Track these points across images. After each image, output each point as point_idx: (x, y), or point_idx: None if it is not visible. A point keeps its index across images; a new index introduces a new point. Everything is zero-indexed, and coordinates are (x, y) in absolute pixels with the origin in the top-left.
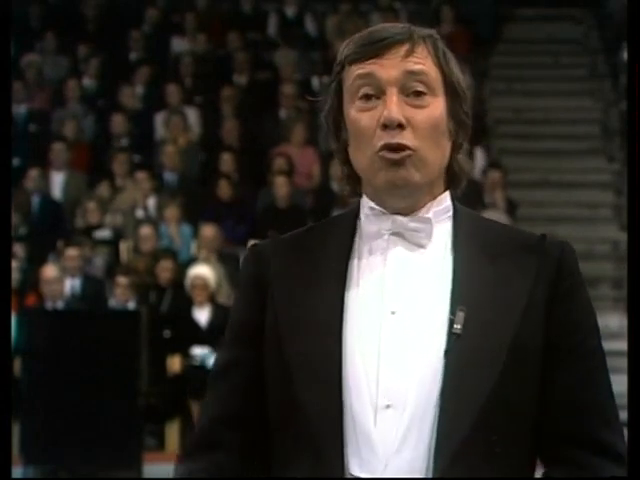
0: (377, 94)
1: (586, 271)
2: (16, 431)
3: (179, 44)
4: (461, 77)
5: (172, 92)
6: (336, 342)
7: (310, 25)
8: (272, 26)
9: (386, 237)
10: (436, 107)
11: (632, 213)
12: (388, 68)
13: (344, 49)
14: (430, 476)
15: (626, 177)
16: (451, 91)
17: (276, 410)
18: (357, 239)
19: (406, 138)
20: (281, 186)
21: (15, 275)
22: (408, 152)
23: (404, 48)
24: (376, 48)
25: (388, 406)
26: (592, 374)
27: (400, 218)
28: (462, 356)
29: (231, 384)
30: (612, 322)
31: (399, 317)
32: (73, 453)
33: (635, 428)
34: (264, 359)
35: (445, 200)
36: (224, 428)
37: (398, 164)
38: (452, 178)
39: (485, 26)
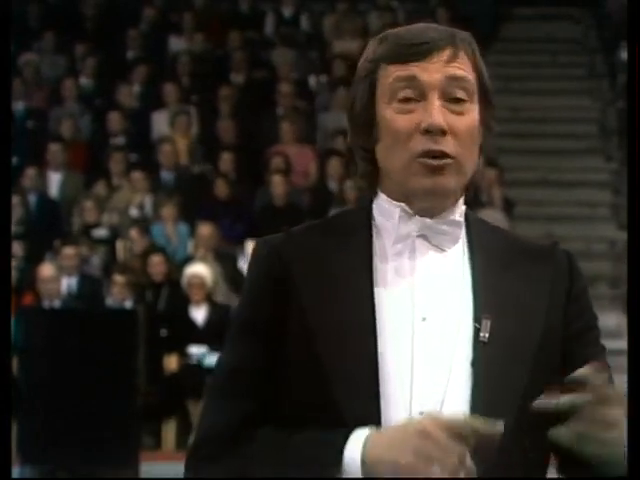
0: (418, 97)
1: (584, 270)
2: (13, 430)
3: (176, 43)
4: (490, 84)
5: (169, 91)
6: (371, 347)
7: (307, 24)
8: (269, 25)
9: (412, 239)
10: (474, 114)
11: (632, 212)
12: (431, 72)
13: (378, 47)
14: None
15: (624, 176)
16: (485, 98)
17: (305, 409)
18: (375, 239)
19: (447, 145)
20: (278, 185)
21: (12, 274)
22: (448, 160)
23: (447, 52)
24: (419, 51)
25: (422, 413)
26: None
27: (429, 220)
28: (489, 365)
29: (253, 380)
30: (609, 321)
31: (430, 324)
32: (70, 452)
33: (635, 428)
34: (286, 358)
35: (461, 204)
36: (250, 424)
37: (438, 171)
38: (469, 184)
39: (483, 25)
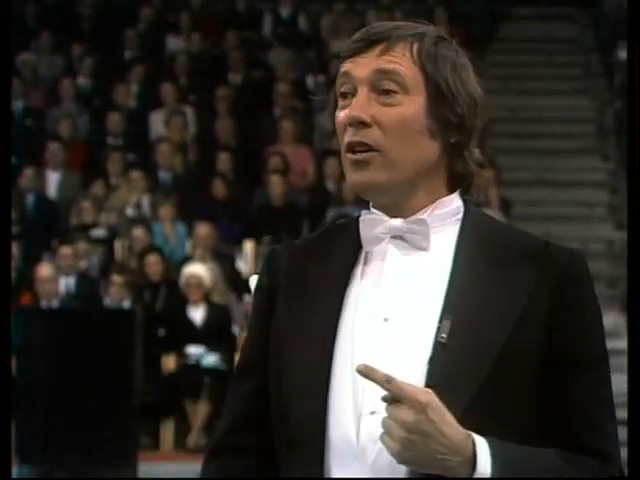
0: (352, 92)
1: None
2: (11, 430)
3: (174, 43)
4: (456, 77)
5: (167, 91)
6: (327, 350)
7: (305, 24)
8: (267, 25)
9: (386, 241)
10: (408, 106)
11: (632, 212)
12: (361, 66)
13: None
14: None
15: (621, 176)
16: (433, 90)
17: (273, 417)
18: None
19: (370, 137)
20: (276, 185)
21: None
22: (372, 153)
23: (380, 47)
24: (355, 47)
25: (373, 412)
26: (594, 387)
27: (394, 221)
28: (445, 364)
29: (248, 388)
30: (607, 321)
31: (391, 324)
32: (68, 452)
33: (635, 428)
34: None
35: (452, 202)
36: (243, 431)
37: (362, 165)
38: (456, 180)
39: (480, 25)
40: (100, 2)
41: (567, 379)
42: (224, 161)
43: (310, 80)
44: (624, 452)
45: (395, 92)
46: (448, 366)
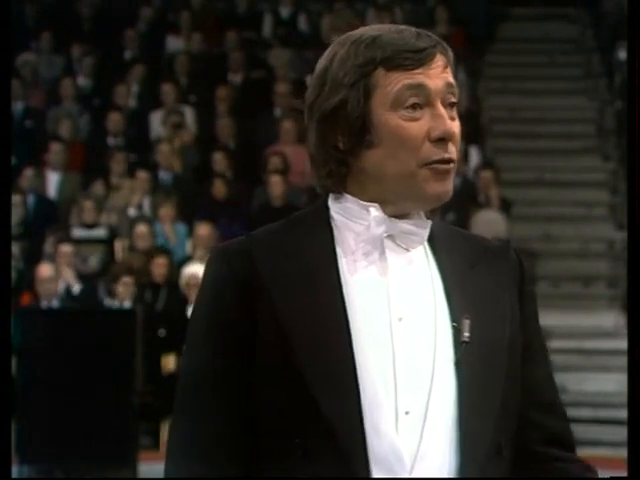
0: (424, 104)
1: (581, 270)
2: (11, 430)
3: (174, 43)
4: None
5: (167, 91)
6: (347, 349)
7: (305, 24)
8: (267, 25)
9: (382, 240)
10: (457, 119)
11: (632, 212)
12: (434, 79)
13: (367, 51)
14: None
15: (621, 176)
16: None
17: (288, 416)
18: (337, 238)
19: (451, 151)
20: (276, 185)
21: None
22: (452, 165)
23: (442, 59)
24: (421, 57)
25: (407, 412)
26: (551, 372)
27: (400, 222)
28: (472, 365)
29: (230, 391)
30: (607, 321)
31: (406, 324)
32: (68, 452)
33: (635, 428)
34: (259, 365)
35: None
36: (231, 436)
37: (446, 177)
38: None
39: (480, 25)
40: (100, 2)
41: (534, 368)
42: (224, 161)
43: (310, 80)
44: (624, 452)
45: (455, 105)
46: (474, 366)
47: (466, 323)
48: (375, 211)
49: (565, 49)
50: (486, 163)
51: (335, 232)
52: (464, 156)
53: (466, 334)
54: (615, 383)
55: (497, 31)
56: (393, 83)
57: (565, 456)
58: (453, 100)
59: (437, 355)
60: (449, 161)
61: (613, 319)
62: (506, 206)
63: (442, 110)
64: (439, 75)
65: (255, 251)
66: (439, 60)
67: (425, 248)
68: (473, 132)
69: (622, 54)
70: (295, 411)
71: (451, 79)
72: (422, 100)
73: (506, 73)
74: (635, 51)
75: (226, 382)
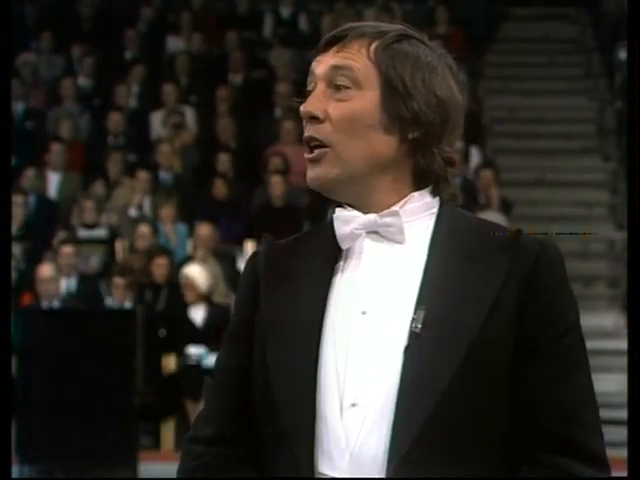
0: (314, 89)
1: (581, 270)
2: (11, 430)
3: (174, 43)
4: (416, 74)
5: (167, 91)
6: (313, 344)
7: (305, 25)
8: (267, 25)
9: (362, 236)
10: (358, 101)
11: (632, 212)
12: (321, 64)
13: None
14: (389, 469)
15: (621, 176)
16: (387, 86)
17: (258, 410)
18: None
19: (321, 132)
20: (276, 185)
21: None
22: (324, 149)
23: (338, 45)
24: (320, 46)
25: (354, 404)
26: (565, 372)
27: (368, 216)
28: (419, 354)
29: (231, 382)
30: (607, 321)
31: (369, 317)
32: (68, 452)
33: (635, 428)
34: (254, 360)
35: (422, 197)
36: (231, 423)
37: (315, 162)
38: (422, 176)
39: (480, 25)
40: (100, 2)
41: (534, 365)
42: (224, 161)
43: None
44: (624, 452)
45: (347, 87)
46: (422, 356)
47: (420, 314)
48: (338, 210)
49: (565, 49)
50: (486, 163)
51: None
52: (464, 156)
53: (418, 325)
54: (615, 383)
55: (497, 31)
56: None
57: (547, 461)
58: (339, 82)
59: (391, 348)
60: (308, 140)
61: (613, 319)
62: (506, 206)
63: (316, 92)
64: (327, 60)
65: (267, 254)
66: (335, 47)
67: (425, 239)
68: (473, 132)
69: (622, 54)
70: (262, 406)
71: (341, 62)
72: (313, 86)
73: (506, 73)
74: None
75: (230, 377)
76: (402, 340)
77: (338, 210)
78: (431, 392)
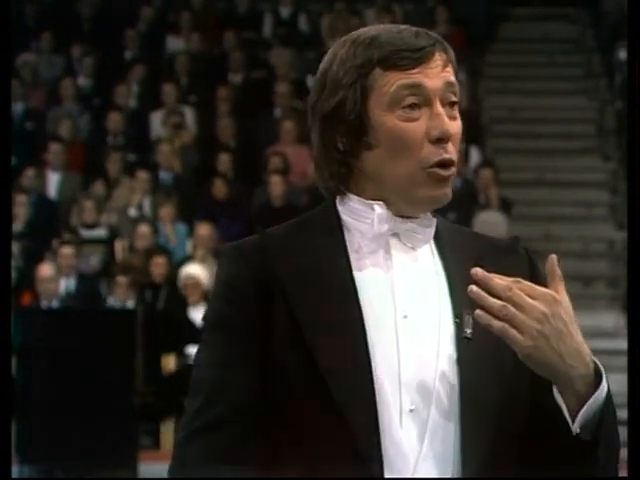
0: (422, 104)
1: (582, 270)
2: (11, 430)
3: (174, 43)
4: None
5: (167, 91)
6: (362, 348)
7: (305, 24)
8: (267, 25)
9: (386, 238)
10: (459, 119)
11: (631, 212)
12: (432, 78)
13: (365, 51)
14: None
15: (621, 176)
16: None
17: (305, 414)
18: (347, 238)
19: (450, 152)
20: (276, 185)
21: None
22: (453, 169)
23: (442, 58)
24: (419, 57)
25: (411, 410)
26: None
27: (406, 221)
28: (474, 363)
29: (242, 379)
30: (607, 321)
31: (411, 321)
32: (68, 452)
33: (635, 428)
34: (273, 357)
35: None
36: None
37: (445, 182)
38: None
39: (480, 25)
40: (100, 2)
41: None
42: (224, 161)
43: (310, 80)
44: (624, 452)
45: (456, 104)
46: (476, 363)
47: (468, 319)
48: (379, 209)
49: (565, 49)
50: (486, 163)
51: (345, 232)
52: (464, 156)
53: (468, 330)
54: (615, 383)
55: (497, 31)
56: (390, 83)
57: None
58: (453, 99)
59: (440, 352)
60: (449, 163)
61: (613, 319)
62: (506, 206)
63: (441, 109)
64: (438, 74)
65: (270, 250)
66: (438, 59)
67: (431, 246)
68: (473, 132)
69: (622, 54)
70: (316, 410)
71: (451, 78)
72: (420, 100)
73: (506, 73)
74: (635, 51)
75: (227, 380)
76: (449, 344)
77: (377, 207)
78: (492, 403)
